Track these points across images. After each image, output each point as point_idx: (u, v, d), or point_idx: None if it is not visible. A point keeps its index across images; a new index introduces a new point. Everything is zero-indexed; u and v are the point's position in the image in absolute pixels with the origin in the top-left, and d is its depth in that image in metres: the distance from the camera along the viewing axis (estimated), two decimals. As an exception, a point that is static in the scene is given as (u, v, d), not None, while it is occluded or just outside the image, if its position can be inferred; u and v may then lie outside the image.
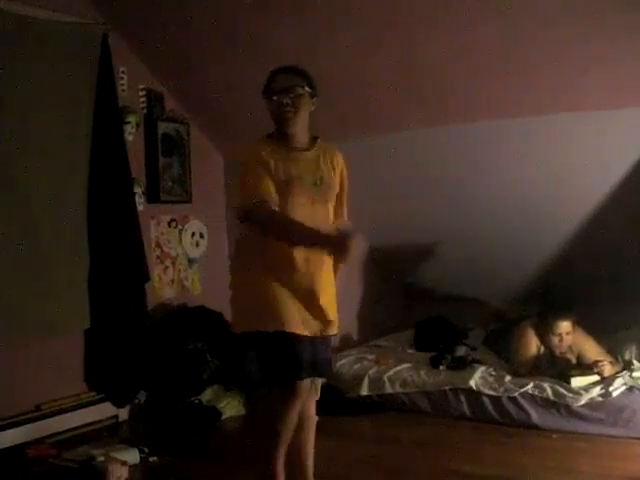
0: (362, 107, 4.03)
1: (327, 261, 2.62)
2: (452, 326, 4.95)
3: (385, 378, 4.14)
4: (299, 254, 2.52)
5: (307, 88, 2.56)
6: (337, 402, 4.02)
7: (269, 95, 2.56)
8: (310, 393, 2.67)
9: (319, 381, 2.75)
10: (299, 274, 2.53)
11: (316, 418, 2.75)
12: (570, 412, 3.60)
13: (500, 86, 3.64)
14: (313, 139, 2.65)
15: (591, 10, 3.10)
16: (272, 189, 2.49)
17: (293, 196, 2.53)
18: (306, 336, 2.53)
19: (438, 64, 3.63)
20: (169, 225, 4.45)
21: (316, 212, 2.57)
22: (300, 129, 2.59)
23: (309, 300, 2.56)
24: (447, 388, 3.97)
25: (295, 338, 2.51)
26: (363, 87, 3.90)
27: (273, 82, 2.56)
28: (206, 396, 4.02)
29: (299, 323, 2.53)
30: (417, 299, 5.65)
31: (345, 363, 4.43)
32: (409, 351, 4.77)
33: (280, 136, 2.60)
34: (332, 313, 2.63)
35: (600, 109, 3.56)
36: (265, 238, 2.52)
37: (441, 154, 4.31)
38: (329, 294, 2.64)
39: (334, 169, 2.65)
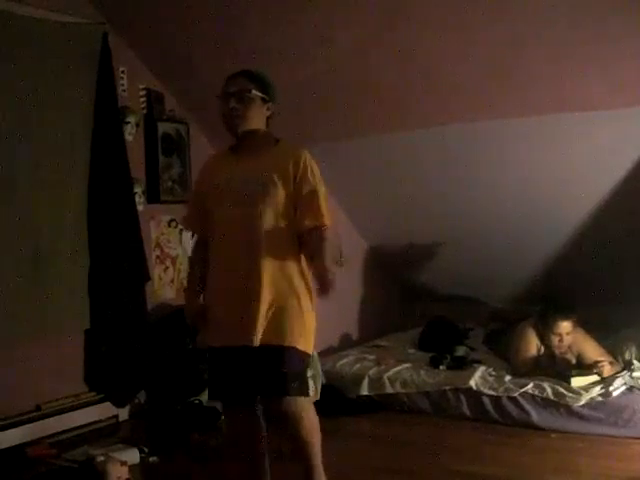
0: (362, 107, 4.03)
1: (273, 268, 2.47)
2: (455, 326, 4.95)
3: (385, 378, 4.14)
4: (229, 260, 2.50)
5: (257, 92, 2.51)
6: (337, 402, 4.02)
7: (220, 99, 2.56)
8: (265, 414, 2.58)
9: (278, 401, 2.47)
10: (228, 279, 2.50)
11: (300, 443, 2.50)
12: (570, 412, 3.60)
13: (500, 86, 3.64)
14: (275, 142, 2.58)
15: (591, 10, 3.10)
16: (195, 216, 2.67)
17: (222, 200, 2.51)
18: (230, 348, 2.50)
19: (438, 64, 3.63)
20: (169, 225, 4.44)
21: (243, 215, 2.46)
22: (248, 133, 2.53)
23: (240, 307, 2.46)
24: (447, 388, 3.97)
25: (216, 352, 2.56)
26: (363, 87, 3.89)
27: (225, 86, 2.56)
28: (206, 396, 4.01)
29: (222, 334, 2.52)
30: (417, 299, 5.66)
31: (345, 363, 4.44)
32: (409, 351, 4.77)
33: (235, 141, 2.60)
34: (275, 323, 2.45)
35: (600, 109, 3.56)
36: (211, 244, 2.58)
37: (441, 154, 4.31)
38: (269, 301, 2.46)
39: (285, 169, 2.47)
